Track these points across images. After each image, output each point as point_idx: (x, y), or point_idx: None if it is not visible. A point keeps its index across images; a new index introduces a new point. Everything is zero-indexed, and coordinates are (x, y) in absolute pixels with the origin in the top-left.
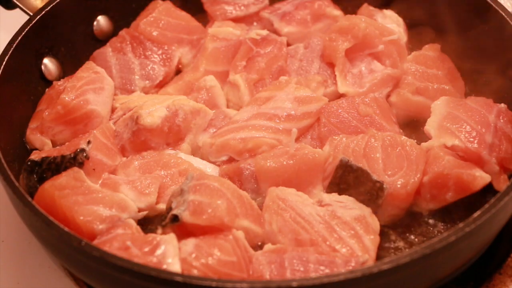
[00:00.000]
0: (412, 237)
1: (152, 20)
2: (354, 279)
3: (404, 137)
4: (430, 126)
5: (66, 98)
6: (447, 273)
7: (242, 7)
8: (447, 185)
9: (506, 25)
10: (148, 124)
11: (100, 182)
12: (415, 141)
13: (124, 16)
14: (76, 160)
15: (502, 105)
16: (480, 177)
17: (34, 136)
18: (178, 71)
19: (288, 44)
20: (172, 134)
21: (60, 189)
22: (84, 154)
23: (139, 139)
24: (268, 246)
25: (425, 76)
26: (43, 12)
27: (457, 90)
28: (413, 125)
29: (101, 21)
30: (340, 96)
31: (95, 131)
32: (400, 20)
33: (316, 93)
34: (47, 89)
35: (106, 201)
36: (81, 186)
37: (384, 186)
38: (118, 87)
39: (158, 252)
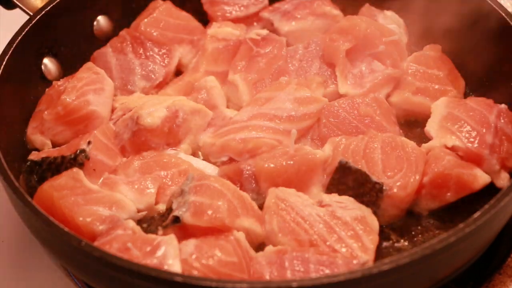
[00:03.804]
0: (412, 237)
1: (152, 21)
2: (354, 279)
3: (403, 138)
4: (430, 127)
5: (67, 99)
6: (447, 273)
7: (242, 8)
8: (448, 185)
9: (506, 25)
10: (148, 124)
11: (100, 182)
12: (415, 141)
13: (124, 16)
14: (77, 160)
15: (503, 105)
16: (481, 177)
17: (34, 136)
18: (178, 72)
19: (288, 44)
20: (172, 134)
21: (59, 189)
22: (85, 155)
23: (139, 140)
24: (269, 248)
25: (425, 77)
26: (43, 12)
27: (458, 91)
28: (413, 125)
29: (101, 21)
30: (340, 96)
31: (95, 132)
32: (401, 20)
33: (316, 94)
34: (47, 89)
35: (105, 201)
36: (80, 187)
37: (384, 187)
38: (118, 87)
39: (159, 253)
